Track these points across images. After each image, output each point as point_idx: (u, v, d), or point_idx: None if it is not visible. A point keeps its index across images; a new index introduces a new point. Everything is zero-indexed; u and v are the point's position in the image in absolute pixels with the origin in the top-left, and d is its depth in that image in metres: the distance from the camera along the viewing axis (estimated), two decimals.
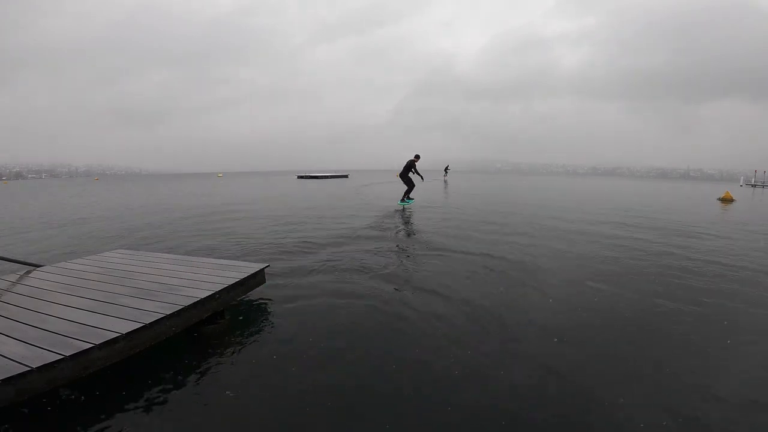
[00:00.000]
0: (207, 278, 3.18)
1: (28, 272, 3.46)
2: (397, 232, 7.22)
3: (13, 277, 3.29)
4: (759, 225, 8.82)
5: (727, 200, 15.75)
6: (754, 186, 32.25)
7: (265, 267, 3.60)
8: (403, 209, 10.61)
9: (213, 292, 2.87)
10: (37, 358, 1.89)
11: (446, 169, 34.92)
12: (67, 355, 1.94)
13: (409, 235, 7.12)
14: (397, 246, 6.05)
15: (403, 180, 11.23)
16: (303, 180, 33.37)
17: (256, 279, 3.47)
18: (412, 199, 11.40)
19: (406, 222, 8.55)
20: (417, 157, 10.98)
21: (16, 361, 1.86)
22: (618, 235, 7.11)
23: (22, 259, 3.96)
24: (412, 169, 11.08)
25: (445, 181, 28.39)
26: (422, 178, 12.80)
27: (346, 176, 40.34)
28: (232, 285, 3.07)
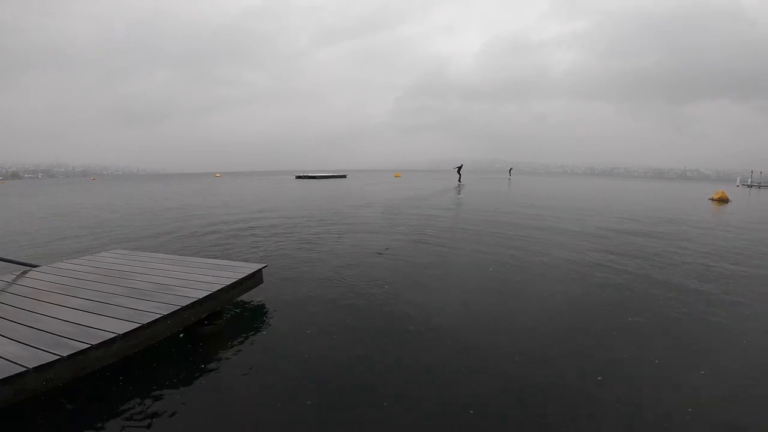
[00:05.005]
0: (204, 278, 3.19)
1: (24, 272, 3.45)
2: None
3: (9, 278, 3.28)
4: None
5: (722, 200, 15.75)
6: (750, 186, 32.42)
7: (263, 267, 3.60)
8: (459, 184, 25.40)
9: (210, 292, 2.87)
10: (34, 359, 1.89)
11: (510, 171, 44.72)
12: (64, 355, 1.94)
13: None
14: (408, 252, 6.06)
15: (457, 171, 28.69)
16: (301, 180, 33.32)
17: (254, 279, 3.47)
18: (461, 183, 26.48)
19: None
20: (461, 165, 28.71)
21: (13, 362, 1.86)
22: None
23: (18, 260, 3.94)
24: (460, 167, 28.67)
25: (509, 179, 36.38)
26: (460, 169, 29.01)
27: (344, 176, 40.28)
28: (229, 285, 3.07)
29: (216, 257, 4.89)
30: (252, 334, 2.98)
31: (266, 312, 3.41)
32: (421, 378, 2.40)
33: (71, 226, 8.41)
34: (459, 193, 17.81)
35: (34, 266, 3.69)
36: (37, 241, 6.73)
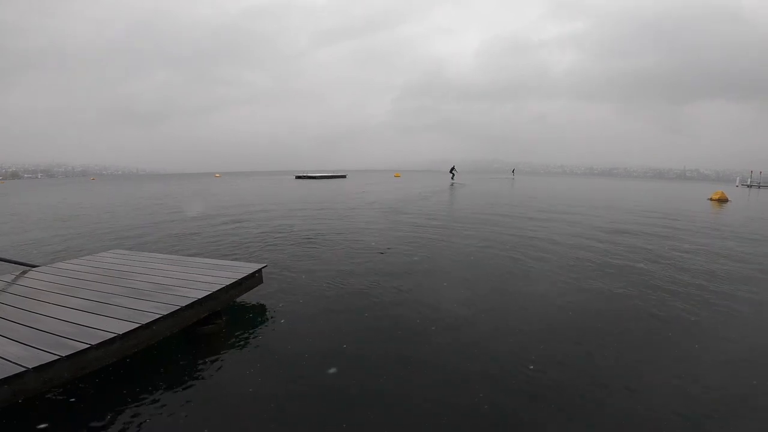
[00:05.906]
0: (203, 278, 3.18)
1: (24, 272, 3.45)
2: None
3: (8, 278, 3.27)
4: None
5: (722, 201, 15.76)
6: (749, 186, 32.44)
7: (263, 267, 3.60)
8: (452, 183, 26.89)
9: (209, 292, 2.87)
10: (34, 359, 1.89)
11: (513, 171, 47.55)
12: (64, 355, 1.94)
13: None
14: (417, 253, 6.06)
15: (450, 172, 30.42)
16: (301, 180, 33.28)
17: (254, 279, 3.46)
18: (454, 181, 28.56)
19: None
20: (453, 166, 30.64)
21: (12, 362, 1.85)
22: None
23: (17, 260, 3.94)
24: (453, 169, 30.48)
25: (513, 179, 37.96)
26: (452, 170, 30.58)
27: (344, 176, 40.21)
28: (228, 285, 3.07)
29: (216, 257, 4.89)
30: (252, 334, 2.98)
31: (266, 312, 3.40)
32: (422, 380, 2.40)
33: (71, 226, 8.40)
34: (456, 191, 17.82)
35: (34, 266, 3.69)
36: (36, 241, 6.72)
